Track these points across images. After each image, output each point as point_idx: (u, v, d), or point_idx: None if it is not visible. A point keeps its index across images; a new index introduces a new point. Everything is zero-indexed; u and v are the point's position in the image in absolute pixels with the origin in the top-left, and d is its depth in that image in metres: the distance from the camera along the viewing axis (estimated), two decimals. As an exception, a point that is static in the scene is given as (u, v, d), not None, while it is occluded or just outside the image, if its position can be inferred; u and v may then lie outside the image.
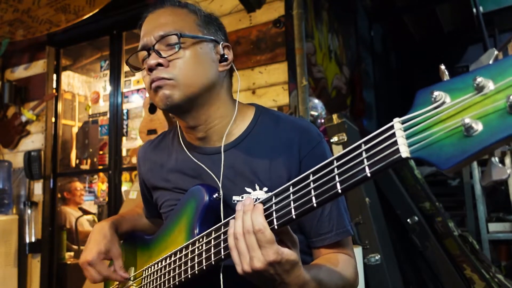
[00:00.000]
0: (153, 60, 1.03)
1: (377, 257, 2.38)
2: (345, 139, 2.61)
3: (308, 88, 2.91)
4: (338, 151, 2.62)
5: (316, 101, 3.23)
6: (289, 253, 0.80)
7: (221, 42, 1.13)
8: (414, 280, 2.82)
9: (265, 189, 1.05)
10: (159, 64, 1.03)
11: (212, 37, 1.11)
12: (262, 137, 1.11)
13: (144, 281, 1.16)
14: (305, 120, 1.34)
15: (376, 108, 6.08)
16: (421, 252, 2.75)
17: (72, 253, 4.47)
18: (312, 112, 3.09)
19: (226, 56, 1.12)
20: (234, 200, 1.06)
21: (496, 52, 0.51)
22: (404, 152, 0.58)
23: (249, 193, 1.06)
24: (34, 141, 4.26)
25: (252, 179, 1.06)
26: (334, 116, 2.69)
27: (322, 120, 3.05)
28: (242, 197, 1.06)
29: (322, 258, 1.06)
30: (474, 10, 6.31)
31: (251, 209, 0.82)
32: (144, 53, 1.08)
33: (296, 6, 2.97)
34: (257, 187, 1.06)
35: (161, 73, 1.03)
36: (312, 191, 0.73)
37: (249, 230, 0.80)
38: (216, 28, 1.15)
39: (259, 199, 1.03)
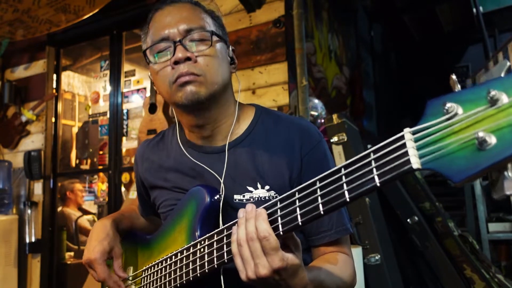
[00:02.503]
0: (181, 53, 1.01)
1: (377, 257, 2.38)
2: (345, 139, 2.61)
3: (308, 88, 2.91)
4: (338, 151, 2.62)
5: (316, 101, 3.23)
6: (293, 258, 0.80)
7: (229, 45, 1.15)
8: (414, 280, 2.82)
9: (267, 187, 1.06)
10: (187, 59, 1.02)
11: (225, 38, 1.13)
12: (263, 136, 1.12)
13: (143, 281, 1.15)
14: (305, 119, 1.34)
15: (376, 108, 6.08)
16: (421, 252, 2.75)
17: (72, 253, 4.46)
18: (312, 112, 3.09)
19: (233, 58, 1.15)
20: (235, 199, 1.06)
21: (508, 64, 0.51)
22: (415, 163, 0.58)
23: (251, 191, 1.06)
24: (34, 141, 4.26)
25: (254, 177, 1.07)
26: (334, 116, 2.69)
27: (322, 120, 3.05)
28: (244, 196, 1.06)
29: (322, 258, 1.06)
30: (474, 10, 6.31)
31: (254, 216, 0.82)
32: (161, 45, 1.06)
33: (296, 6, 2.97)
34: (259, 185, 1.06)
35: (190, 68, 1.01)
36: (319, 198, 0.72)
37: (253, 237, 0.79)
38: (225, 30, 1.16)
39: (261, 197, 1.03)
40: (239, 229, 0.83)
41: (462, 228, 3.31)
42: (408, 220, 2.77)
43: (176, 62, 1.02)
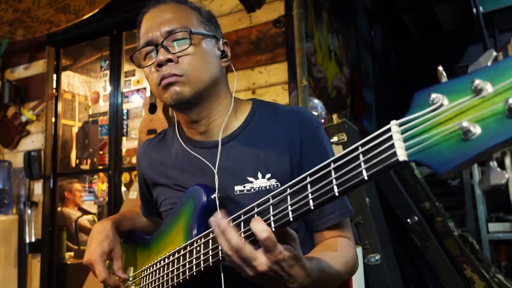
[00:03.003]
0: (162, 56, 1.04)
1: (377, 257, 2.38)
2: (345, 139, 2.61)
3: (308, 88, 2.91)
4: (338, 151, 2.62)
5: (316, 101, 3.23)
6: (290, 249, 0.80)
7: (221, 39, 1.16)
8: (414, 280, 2.82)
9: (268, 175, 1.06)
10: (169, 60, 1.04)
11: (213, 34, 1.14)
12: (261, 126, 1.13)
13: (143, 282, 1.16)
14: (303, 107, 1.35)
15: (376, 108, 6.08)
16: (421, 252, 2.75)
17: (72, 253, 4.46)
18: (312, 112, 3.09)
19: (226, 52, 1.15)
20: (236, 191, 1.07)
21: (494, 54, 0.50)
22: (401, 155, 0.57)
23: (251, 182, 1.06)
24: (34, 141, 4.26)
25: (254, 167, 1.07)
26: (334, 116, 2.69)
27: (322, 120, 3.05)
28: (244, 187, 1.06)
29: (322, 245, 1.07)
30: (474, 10, 6.30)
31: (226, 228, 0.81)
32: (147, 48, 1.09)
33: (296, 6, 2.97)
34: (259, 175, 1.07)
35: (172, 69, 1.04)
36: (310, 194, 0.72)
37: (238, 249, 0.79)
38: (215, 25, 1.17)
39: (261, 187, 1.04)
40: (219, 241, 0.82)
41: (462, 228, 3.31)
42: (408, 220, 2.77)
43: (159, 65, 1.04)
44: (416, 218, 2.75)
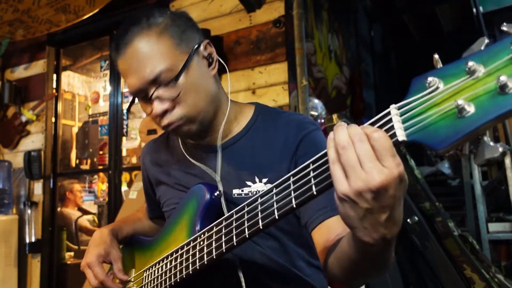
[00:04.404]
0: (158, 109, 1.01)
1: (377, 257, 2.38)
2: (345, 139, 2.60)
3: (308, 88, 2.91)
4: (338, 150, 2.61)
5: (316, 101, 3.23)
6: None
7: (201, 42, 1.07)
8: (414, 280, 2.81)
9: (265, 180, 1.07)
10: (165, 112, 1.02)
11: (192, 47, 1.04)
12: (261, 132, 1.13)
13: (145, 281, 1.16)
14: (303, 114, 1.34)
15: (376, 108, 6.08)
16: (421, 252, 2.74)
17: (72, 253, 4.47)
18: (312, 112, 3.09)
19: (211, 55, 1.09)
20: (234, 194, 1.08)
21: (486, 40, 0.54)
22: (401, 135, 0.60)
23: (249, 186, 1.07)
24: (34, 141, 4.26)
25: (252, 172, 1.08)
26: (334, 116, 2.68)
27: (322, 120, 3.05)
28: (243, 190, 1.07)
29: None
30: (474, 10, 6.30)
31: (367, 125, 0.65)
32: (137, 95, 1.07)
33: (296, 6, 2.97)
34: (257, 179, 1.07)
35: (172, 118, 1.03)
36: (312, 179, 0.72)
37: (362, 138, 0.60)
38: (190, 31, 1.07)
39: (259, 191, 1.02)
40: (338, 133, 0.63)
41: (462, 228, 3.30)
42: (408, 220, 2.76)
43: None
44: (416, 218, 2.75)
